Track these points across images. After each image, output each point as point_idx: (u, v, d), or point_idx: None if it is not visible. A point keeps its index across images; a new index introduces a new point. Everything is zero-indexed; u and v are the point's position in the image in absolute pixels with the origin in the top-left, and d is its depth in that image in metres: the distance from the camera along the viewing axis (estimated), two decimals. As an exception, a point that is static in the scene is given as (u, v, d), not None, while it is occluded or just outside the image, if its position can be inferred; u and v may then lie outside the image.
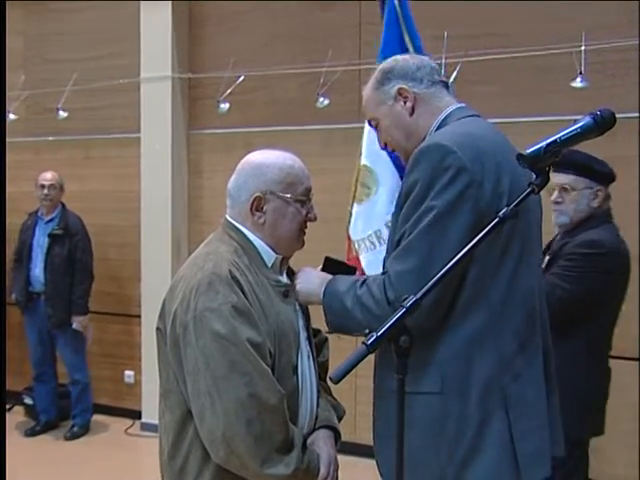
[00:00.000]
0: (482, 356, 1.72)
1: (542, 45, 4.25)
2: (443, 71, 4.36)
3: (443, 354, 1.72)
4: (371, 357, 1.47)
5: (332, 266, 1.98)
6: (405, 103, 1.91)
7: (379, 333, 1.37)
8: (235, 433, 1.71)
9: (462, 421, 1.71)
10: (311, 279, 1.93)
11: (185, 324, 1.77)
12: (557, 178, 2.83)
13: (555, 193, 2.85)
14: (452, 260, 1.46)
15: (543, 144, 1.52)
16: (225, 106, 5.03)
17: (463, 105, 1.95)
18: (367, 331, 1.39)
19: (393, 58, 1.99)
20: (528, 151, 1.52)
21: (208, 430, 1.75)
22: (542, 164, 1.52)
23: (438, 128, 1.88)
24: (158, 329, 1.90)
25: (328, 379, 1.52)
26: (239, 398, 1.71)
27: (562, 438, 1.93)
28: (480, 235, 1.47)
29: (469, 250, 1.46)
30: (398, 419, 1.41)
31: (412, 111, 1.90)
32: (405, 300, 1.41)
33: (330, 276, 1.91)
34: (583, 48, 4.11)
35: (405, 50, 3.17)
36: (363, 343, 1.36)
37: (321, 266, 2.00)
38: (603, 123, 1.53)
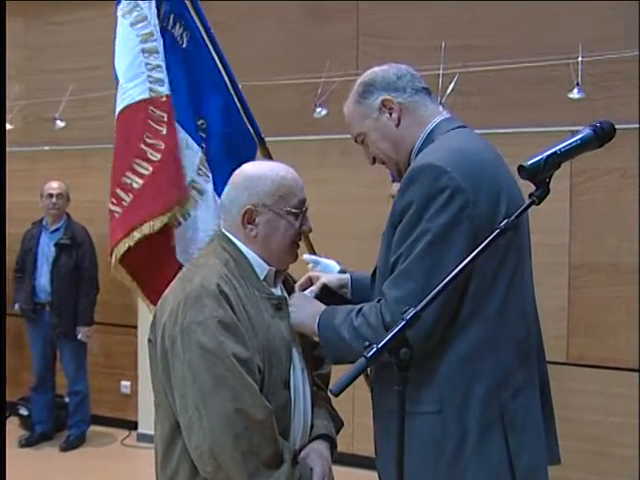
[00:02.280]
0: (481, 372, 1.71)
1: (539, 56, 4.26)
2: (441, 82, 4.38)
3: (442, 373, 1.71)
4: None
5: (328, 295, 1.95)
6: (391, 114, 1.88)
7: (379, 345, 1.36)
8: (222, 448, 1.70)
9: (461, 440, 1.70)
10: (305, 308, 1.90)
11: (173, 337, 1.76)
12: None
13: None
14: (451, 274, 1.45)
15: (543, 156, 1.51)
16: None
17: (449, 115, 1.93)
18: (367, 343, 1.38)
19: (371, 70, 1.95)
20: (528, 163, 1.51)
21: (195, 445, 1.73)
22: (542, 176, 1.51)
23: (425, 139, 1.86)
24: (150, 341, 1.89)
25: (328, 392, 1.51)
26: (226, 413, 1.70)
27: (558, 446, 1.93)
28: (480, 248, 1.46)
29: (468, 263, 1.45)
30: (398, 434, 1.40)
31: (398, 122, 1.88)
32: (405, 312, 1.40)
33: (323, 306, 1.88)
34: (580, 59, 4.13)
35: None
36: (363, 356, 1.36)
37: (316, 288, 1.99)
38: (603, 135, 1.53)
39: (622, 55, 4.11)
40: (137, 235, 2.67)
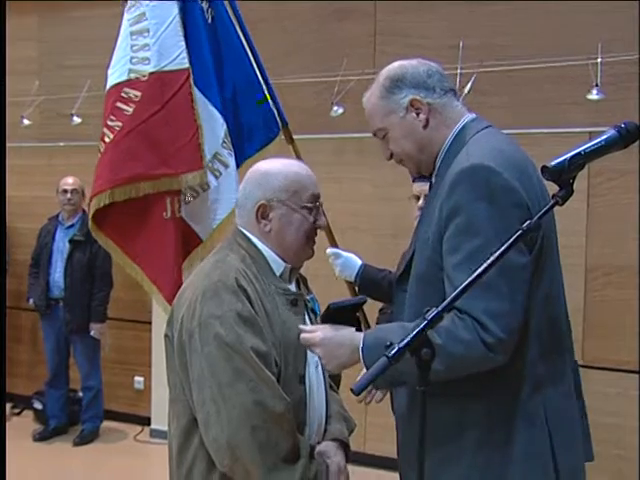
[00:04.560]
0: (523, 381, 1.69)
1: (558, 57, 4.24)
2: (458, 81, 4.36)
3: (487, 383, 1.67)
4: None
5: (338, 313, 1.80)
6: (418, 115, 1.82)
7: (401, 345, 1.35)
8: (240, 441, 1.70)
9: (506, 447, 1.68)
10: (335, 352, 1.71)
11: (191, 331, 1.77)
12: (426, 186, 2.81)
13: (421, 200, 2.77)
14: (477, 271, 1.43)
15: (567, 156, 1.50)
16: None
17: (475, 116, 1.88)
18: (388, 343, 1.37)
19: (399, 64, 1.87)
20: (552, 164, 1.50)
21: (213, 438, 1.74)
22: (566, 176, 1.49)
23: (454, 140, 1.81)
24: (166, 336, 1.90)
25: (349, 390, 1.51)
26: (244, 405, 1.70)
27: (591, 444, 1.91)
28: (503, 247, 1.45)
29: (494, 260, 1.43)
30: (420, 430, 1.39)
31: (426, 123, 1.82)
32: (427, 312, 1.39)
33: (346, 337, 1.71)
34: (599, 60, 4.10)
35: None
36: (385, 355, 1.35)
37: (324, 312, 1.85)
38: (628, 136, 1.51)
39: (641, 56, 4.08)
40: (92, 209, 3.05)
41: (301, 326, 1.80)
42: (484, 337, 1.56)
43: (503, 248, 1.44)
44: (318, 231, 1.99)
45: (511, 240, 1.45)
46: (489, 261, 1.43)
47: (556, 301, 1.80)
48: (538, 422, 1.69)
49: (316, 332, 1.75)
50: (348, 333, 1.72)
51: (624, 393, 4.23)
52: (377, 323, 2.93)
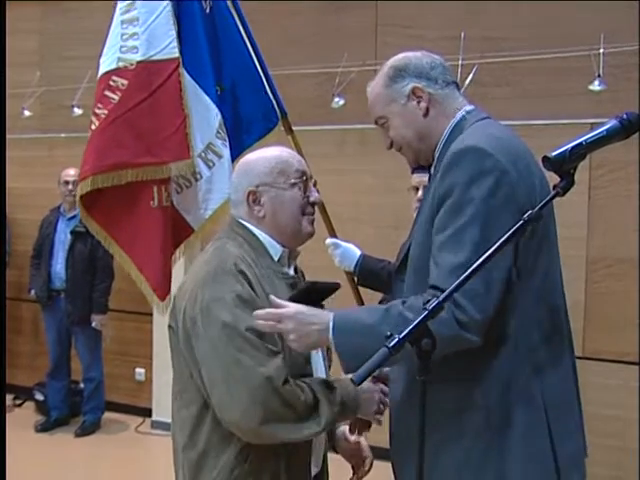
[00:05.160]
0: (520, 366, 1.69)
1: (560, 47, 4.22)
2: (459, 73, 4.35)
3: (484, 367, 1.69)
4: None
5: (310, 292, 1.79)
6: (419, 103, 1.84)
7: (401, 336, 1.36)
8: (257, 417, 1.72)
9: (504, 433, 1.68)
10: (306, 329, 1.69)
11: (194, 318, 1.79)
12: (425, 177, 2.82)
13: (420, 191, 2.78)
14: (475, 263, 1.43)
15: (568, 147, 1.50)
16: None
17: (474, 107, 1.90)
18: (388, 333, 1.38)
19: (404, 55, 1.91)
20: (553, 154, 1.50)
21: (230, 419, 1.76)
22: (567, 167, 1.49)
23: (452, 130, 1.83)
24: (170, 327, 1.91)
25: (349, 381, 1.51)
26: (253, 381, 1.72)
27: (585, 441, 1.89)
28: (504, 238, 1.45)
29: (493, 253, 1.44)
30: (420, 420, 1.40)
31: (426, 112, 1.84)
32: (428, 302, 1.40)
33: (324, 314, 1.70)
34: (602, 51, 4.09)
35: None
36: (385, 346, 1.35)
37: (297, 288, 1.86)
38: (629, 126, 1.51)
39: (643, 46, 4.06)
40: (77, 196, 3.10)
41: (272, 297, 1.77)
42: (458, 316, 1.58)
43: (505, 238, 1.45)
44: (316, 224, 2.00)
45: (513, 230, 1.45)
46: (490, 251, 1.44)
47: (554, 288, 1.80)
48: (536, 405, 1.69)
49: (289, 306, 1.73)
50: (319, 312, 1.73)
51: (625, 385, 4.23)
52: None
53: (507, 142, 1.74)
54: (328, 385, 1.85)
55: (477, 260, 1.46)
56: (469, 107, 1.89)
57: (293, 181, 1.92)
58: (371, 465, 2.12)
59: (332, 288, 1.86)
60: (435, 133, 1.85)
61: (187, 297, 1.83)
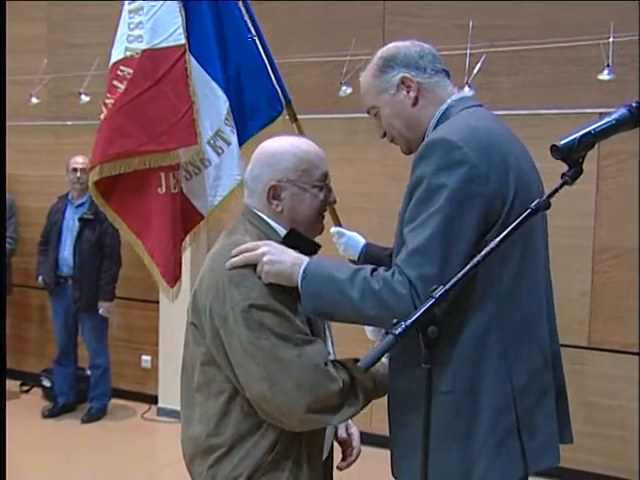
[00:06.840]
0: (490, 352, 1.71)
1: (569, 37, 4.20)
2: (468, 61, 4.33)
3: (454, 352, 1.71)
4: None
5: (295, 238, 1.88)
6: (408, 92, 1.86)
7: (408, 323, 1.36)
8: (302, 407, 1.74)
9: (473, 418, 1.70)
10: (281, 256, 1.76)
11: (224, 316, 1.78)
12: None
13: None
14: (479, 255, 1.44)
15: (577, 135, 1.49)
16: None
17: (466, 95, 1.92)
18: (395, 321, 1.38)
19: (393, 45, 1.93)
20: (561, 142, 1.49)
21: (275, 414, 1.77)
22: (575, 156, 1.49)
23: (440, 119, 1.85)
24: (192, 324, 1.90)
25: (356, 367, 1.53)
26: (293, 373, 1.74)
27: (570, 426, 1.92)
28: (510, 228, 1.45)
29: (499, 243, 1.44)
30: (425, 414, 1.41)
31: (415, 101, 1.86)
32: (434, 291, 1.40)
33: (302, 255, 1.78)
34: (611, 40, 4.06)
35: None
36: (391, 333, 1.36)
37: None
38: (639, 115, 1.50)
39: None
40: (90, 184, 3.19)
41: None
42: (414, 297, 1.61)
43: (508, 230, 1.45)
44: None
45: (520, 219, 1.45)
46: (490, 247, 1.45)
47: (532, 288, 1.80)
48: (505, 391, 1.71)
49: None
50: (295, 252, 1.79)
51: (629, 375, 4.23)
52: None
53: (483, 133, 1.74)
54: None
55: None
56: (459, 95, 1.90)
57: (316, 183, 1.91)
58: (357, 455, 2.16)
59: (317, 245, 1.96)
60: (424, 122, 1.88)
61: (213, 295, 1.82)
